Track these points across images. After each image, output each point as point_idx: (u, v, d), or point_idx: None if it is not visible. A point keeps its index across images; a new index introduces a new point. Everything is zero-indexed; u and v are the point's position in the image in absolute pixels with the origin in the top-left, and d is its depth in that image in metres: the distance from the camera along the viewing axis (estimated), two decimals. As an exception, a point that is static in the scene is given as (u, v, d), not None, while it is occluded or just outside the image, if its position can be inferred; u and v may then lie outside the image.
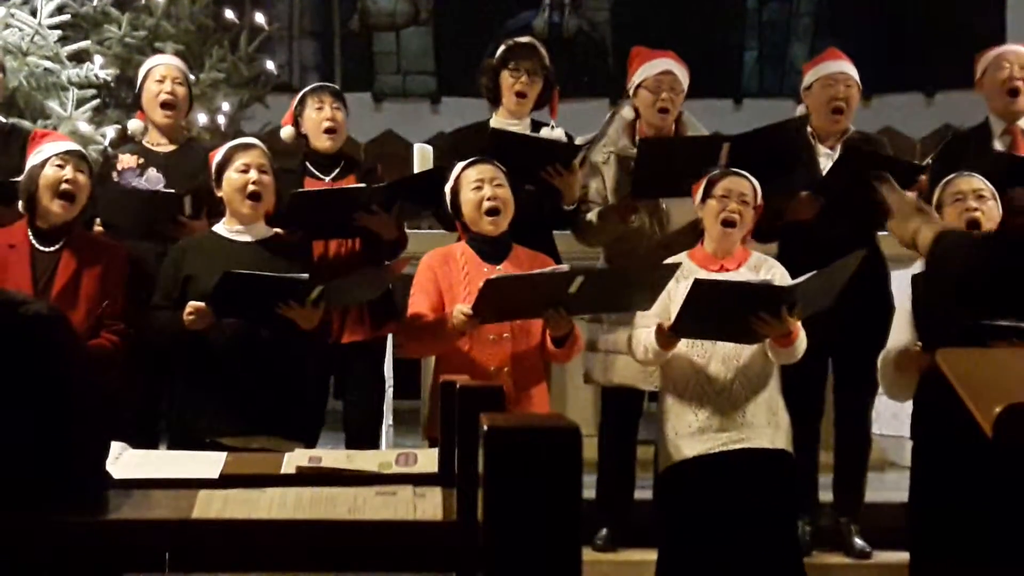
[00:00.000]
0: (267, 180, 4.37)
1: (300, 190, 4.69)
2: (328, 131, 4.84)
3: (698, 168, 4.48)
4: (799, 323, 4.16)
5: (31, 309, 2.27)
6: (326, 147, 4.85)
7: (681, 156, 4.63)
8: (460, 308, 4.09)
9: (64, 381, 2.25)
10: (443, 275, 4.27)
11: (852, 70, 5.06)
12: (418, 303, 4.27)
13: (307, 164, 4.88)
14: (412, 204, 4.69)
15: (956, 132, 5.32)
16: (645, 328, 4.27)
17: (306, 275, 4.13)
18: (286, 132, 4.97)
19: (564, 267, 4.19)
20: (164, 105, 4.95)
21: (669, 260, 4.35)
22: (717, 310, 4.07)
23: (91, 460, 2.32)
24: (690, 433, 4.21)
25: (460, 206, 4.32)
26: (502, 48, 5.06)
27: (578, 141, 4.88)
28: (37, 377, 2.22)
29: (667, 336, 4.16)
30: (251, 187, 4.33)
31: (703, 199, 4.35)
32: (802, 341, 4.21)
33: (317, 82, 5.27)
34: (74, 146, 4.56)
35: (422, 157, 5.80)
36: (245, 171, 4.34)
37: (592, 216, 4.94)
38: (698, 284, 4.05)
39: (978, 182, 4.38)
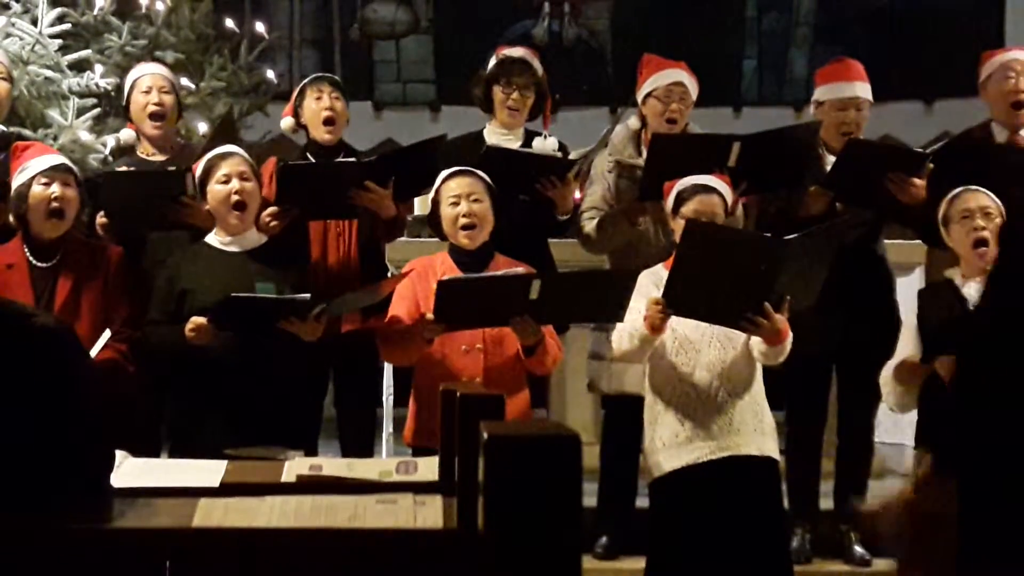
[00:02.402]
0: (249, 187, 4.37)
1: (289, 163, 4.67)
2: (327, 121, 4.84)
3: (707, 167, 4.48)
4: (786, 323, 4.13)
5: (38, 322, 2.28)
6: (325, 139, 4.85)
7: (692, 154, 4.63)
8: (428, 314, 4.10)
9: (69, 393, 2.26)
10: (421, 284, 4.29)
11: (865, 90, 5.01)
12: (395, 309, 4.30)
13: (307, 155, 4.89)
14: (408, 182, 4.64)
15: (958, 135, 5.27)
16: (629, 316, 4.23)
17: (307, 295, 4.14)
18: (286, 123, 4.98)
19: (519, 270, 4.19)
20: (152, 116, 4.95)
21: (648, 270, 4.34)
22: (710, 266, 3.92)
23: (94, 471, 2.32)
24: (677, 443, 4.19)
25: (440, 218, 4.33)
26: (493, 62, 5.07)
27: (572, 155, 4.89)
28: (43, 388, 2.23)
29: (657, 310, 4.03)
30: (234, 197, 4.33)
31: (674, 212, 4.32)
32: (788, 342, 4.19)
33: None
34: (57, 159, 4.51)
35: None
36: (226, 181, 4.34)
37: (591, 228, 4.95)
38: (691, 225, 3.97)
39: (985, 199, 4.36)
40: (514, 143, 5.01)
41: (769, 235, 4.08)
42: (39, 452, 2.25)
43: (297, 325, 4.15)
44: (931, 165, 4.69)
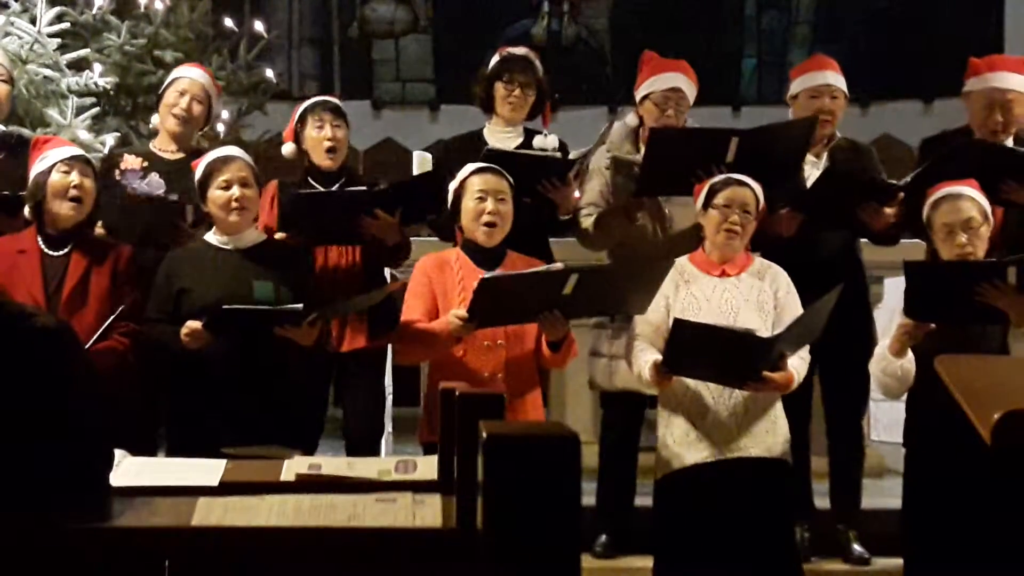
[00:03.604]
0: (250, 193, 4.36)
1: (299, 192, 4.68)
2: (329, 151, 4.85)
3: (705, 162, 4.47)
4: (792, 363, 4.16)
5: (38, 322, 2.28)
6: (327, 165, 4.85)
7: (690, 148, 4.62)
8: (455, 312, 4.08)
9: (69, 392, 2.26)
10: (438, 281, 4.27)
11: (837, 80, 5.02)
12: (412, 308, 4.27)
13: (308, 179, 4.88)
14: (414, 209, 4.66)
15: (938, 138, 5.24)
16: (646, 351, 4.26)
17: (299, 306, 4.14)
18: (287, 149, 4.96)
19: (559, 265, 4.18)
20: (175, 117, 4.98)
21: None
22: (702, 350, 4.05)
23: (94, 471, 2.32)
24: (688, 442, 4.20)
25: (460, 210, 4.32)
26: (496, 60, 5.07)
27: (572, 155, 4.88)
28: (43, 388, 2.23)
29: (662, 373, 4.13)
30: (234, 204, 4.33)
31: (704, 206, 4.34)
32: (800, 376, 4.21)
33: (316, 91, 5.25)
34: (77, 151, 4.59)
35: (421, 164, 5.81)
36: (227, 187, 4.34)
37: (588, 224, 4.95)
38: (678, 324, 4.04)
39: (967, 208, 4.24)
40: (514, 140, 5.01)
41: (755, 334, 4.12)
42: (39, 451, 2.25)
43: (292, 331, 4.15)
44: (902, 195, 4.69)
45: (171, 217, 4.65)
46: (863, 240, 5.06)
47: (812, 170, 4.86)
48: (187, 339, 4.17)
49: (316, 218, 4.57)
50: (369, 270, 4.81)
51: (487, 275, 4.04)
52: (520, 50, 5.17)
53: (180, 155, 4.96)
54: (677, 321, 4.07)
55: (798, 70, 5.19)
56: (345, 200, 4.62)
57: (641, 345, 4.27)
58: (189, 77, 5.10)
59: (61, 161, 4.42)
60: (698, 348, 4.05)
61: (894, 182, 4.87)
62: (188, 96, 4.99)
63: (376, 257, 4.78)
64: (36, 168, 4.44)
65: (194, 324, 4.17)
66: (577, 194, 4.95)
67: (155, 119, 5.20)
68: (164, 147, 5.01)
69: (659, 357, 4.15)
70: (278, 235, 4.58)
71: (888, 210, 4.68)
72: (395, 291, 4.52)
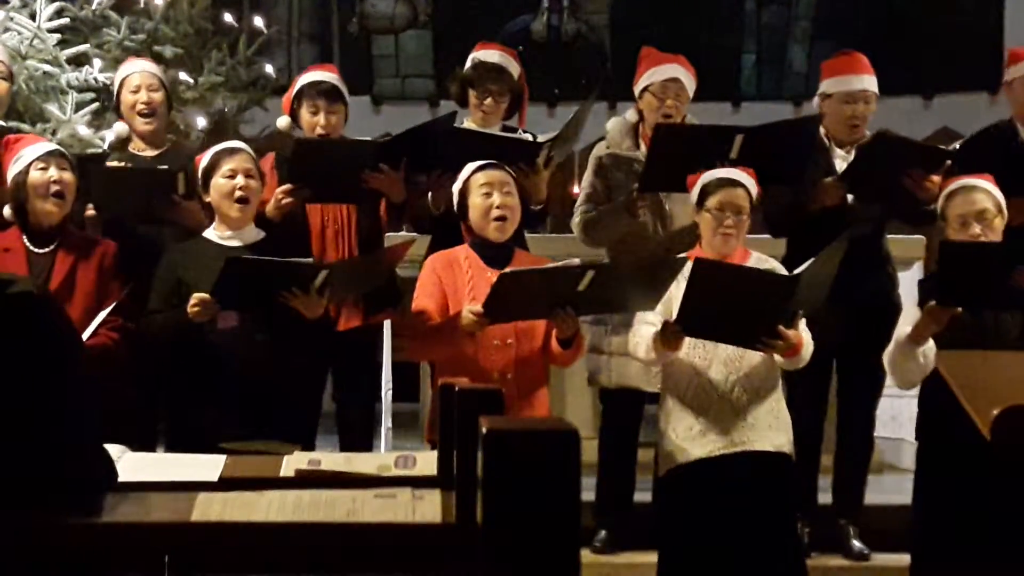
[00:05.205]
0: (254, 184, 4.38)
1: (305, 138, 4.67)
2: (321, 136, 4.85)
3: (709, 159, 4.47)
4: (801, 332, 4.15)
5: (17, 288, 2.21)
6: None
7: (695, 145, 4.62)
8: (469, 307, 4.07)
9: (55, 359, 2.21)
10: (447, 279, 4.26)
11: (872, 84, 5.00)
12: (422, 306, 4.26)
13: None
14: (419, 164, 4.63)
15: (983, 129, 5.26)
16: (647, 324, 4.25)
17: (310, 259, 4.14)
18: (282, 122, 4.98)
19: (575, 261, 4.17)
20: (142, 114, 4.96)
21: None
22: (721, 298, 3.99)
23: (86, 451, 2.30)
24: (691, 436, 4.20)
25: (467, 209, 4.31)
26: (469, 65, 5.04)
27: (540, 139, 4.85)
28: (28, 357, 2.18)
29: (672, 333, 4.10)
30: (238, 192, 4.33)
31: (698, 205, 4.33)
32: (808, 347, 4.20)
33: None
34: (51, 146, 4.57)
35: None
36: (232, 176, 4.34)
37: (587, 220, 4.95)
38: (699, 264, 4.00)
39: (982, 199, 4.24)
40: None
41: (778, 272, 4.11)
42: (31, 435, 2.23)
43: (300, 298, 4.13)
44: (949, 162, 4.68)
45: (164, 186, 4.61)
46: (892, 237, 5.07)
47: (843, 164, 4.86)
48: (195, 310, 4.15)
49: (323, 168, 4.56)
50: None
51: (507, 270, 4.04)
52: (492, 56, 5.07)
53: (158, 151, 4.97)
54: (698, 260, 4.05)
55: (832, 68, 5.11)
56: (353, 150, 4.63)
57: (646, 327, 4.25)
58: (136, 71, 5.05)
59: (36, 159, 4.41)
60: (716, 295, 3.99)
61: (943, 147, 4.87)
62: (143, 89, 4.97)
63: (374, 222, 4.75)
64: (12, 169, 4.43)
65: (201, 294, 4.15)
66: (576, 189, 4.95)
67: (117, 128, 5.18)
68: (141, 148, 5.00)
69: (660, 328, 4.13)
70: (279, 191, 4.55)
71: (935, 178, 4.66)
72: (397, 255, 4.48)
